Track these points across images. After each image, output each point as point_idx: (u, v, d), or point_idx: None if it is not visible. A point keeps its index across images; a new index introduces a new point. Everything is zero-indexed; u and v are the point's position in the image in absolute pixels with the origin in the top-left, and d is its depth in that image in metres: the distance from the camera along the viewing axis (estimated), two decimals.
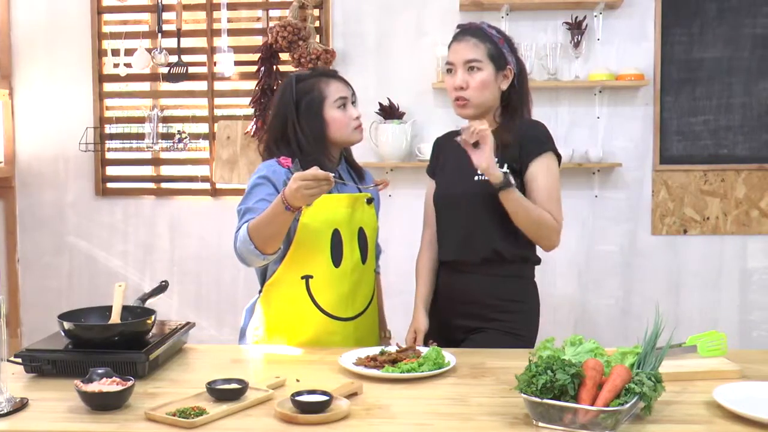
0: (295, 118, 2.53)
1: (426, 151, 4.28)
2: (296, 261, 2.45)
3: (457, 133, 2.71)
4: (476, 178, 2.48)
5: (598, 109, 4.41)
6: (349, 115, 2.54)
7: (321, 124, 2.52)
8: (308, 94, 2.53)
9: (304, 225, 2.44)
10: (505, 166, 2.37)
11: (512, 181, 2.33)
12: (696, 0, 4.33)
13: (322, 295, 2.47)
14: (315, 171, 2.18)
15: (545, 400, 1.63)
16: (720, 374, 2.02)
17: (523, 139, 2.48)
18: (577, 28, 4.29)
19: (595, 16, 4.35)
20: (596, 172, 4.41)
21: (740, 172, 4.40)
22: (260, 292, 2.57)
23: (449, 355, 2.15)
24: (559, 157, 2.55)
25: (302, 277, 2.46)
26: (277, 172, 2.47)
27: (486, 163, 2.29)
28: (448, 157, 2.66)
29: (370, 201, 2.60)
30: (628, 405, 1.61)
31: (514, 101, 2.56)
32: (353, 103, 2.59)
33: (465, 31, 2.56)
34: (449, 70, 2.55)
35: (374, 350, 2.22)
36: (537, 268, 2.63)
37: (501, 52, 2.52)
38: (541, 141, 2.51)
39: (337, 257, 2.47)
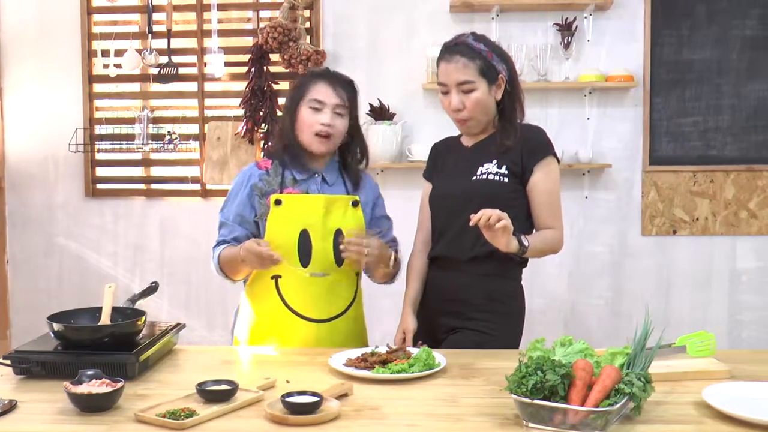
0: (284, 110, 2.60)
1: (416, 152, 4.29)
2: None
3: (453, 138, 2.71)
4: (474, 178, 2.50)
5: (588, 110, 4.42)
6: (315, 120, 2.48)
7: (293, 120, 2.53)
8: (297, 88, 2.56)
9: (272, 224, 2.46)
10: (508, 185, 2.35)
11: (525, 242, 2.33)
12: (685, 2, 4.35)
13: (291, 296, 2.48)
14: (259, 249, 2.29)
15: (535, 401, 1.63)
16: (709, 374, 2.03)
17: (524, 144, 2.50)
18: (567, 30, 4.30)
19: (585, 17, 4.37)
20: (586, 173, 4.42)
21: (729, 173, 4.42)
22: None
23: (439, 356, 2.15)
24: (558, 161, 2.58)
25: (272, 277, 2.48)
26: (253, 176, 2.54)
27: (504, 247, 2.26)
28: (446, 160, 2.67)
29: (356, 204, 2.57)
30: (617, 405, 1.62)
31: (508, 104, 2.56)
32: (338, 114, 2.51)
33: (452, 50, 2.50)
34: (444, 92, 2.52)
35: (365, 351, 2.22)
36: (526, 269, 2.63)
37: (491, 65, 2.49)
38: (542, 145, 2.53)
39: (305, 258, 2.47)
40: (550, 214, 2.51)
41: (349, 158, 2.63)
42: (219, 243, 2.56)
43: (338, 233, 2.50)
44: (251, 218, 2.53)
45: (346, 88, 2.55)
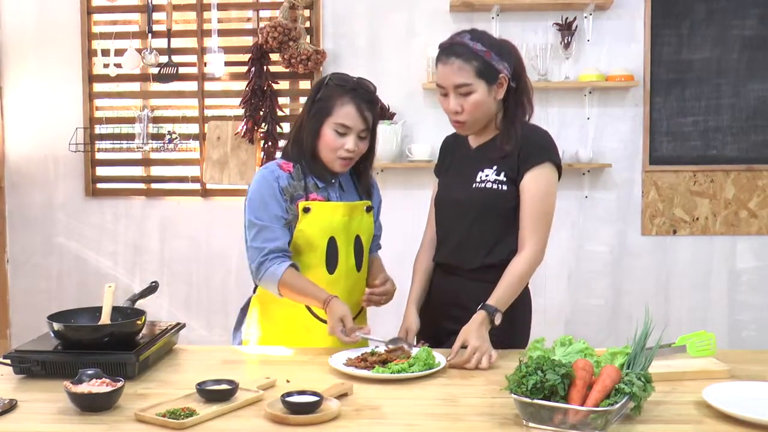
0: (306, 118, 2.50)
1: (416, 152, 4.29)
2: None
3: (462, 135, 2.66)
4: (474, 185, 2.46)
5: (588, 110, 4.42)
6: (340, 144, 2.43)
7: (315, 136, 2.46)
8: (323, 101, 2.46)
9: (301, 231, 2.44)
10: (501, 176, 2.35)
11: (497, 320, 2.29)
12: (685, 1, 4.36)
13: None
14: (346, 340, 2.28)
15: (535, 401, 1.63)
16: (709, 374, 2.03)
17: (522, 148, 2.40)
18: (567, 29, 4.30)
19: (585, 17, 4.37)
20: (586, 173, 4.42)
21: (729, 172, 4.42)
22: (254, 291, 2.58)
23: (439, 356, 2.15)
24: (559, 167, 2.45)
25: None
26: (281, 178, 2.47)
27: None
28: (452, 159, 2.61)
29: (369, 209, 2.59)
30: (618, 405, 1.62)
31: (512, 103, 2.46)
32: (361, 137, 2.46)
33: (449, 52, 2.40)
34: (442, 93, 2.43)
35: (365, 350, 2.22)
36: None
37: (489, 65, 2.37)
38: (540, 149, 2.42)
39: (332, 265, 2.48)
40: (530, 225, 2.38)
41: (362, 165, 2.61)
42: (272, 253, 2.41)
43: (358, 239, 2.53)
44: (287, 219, 2.47)
45: (371, 108, 2.48)
